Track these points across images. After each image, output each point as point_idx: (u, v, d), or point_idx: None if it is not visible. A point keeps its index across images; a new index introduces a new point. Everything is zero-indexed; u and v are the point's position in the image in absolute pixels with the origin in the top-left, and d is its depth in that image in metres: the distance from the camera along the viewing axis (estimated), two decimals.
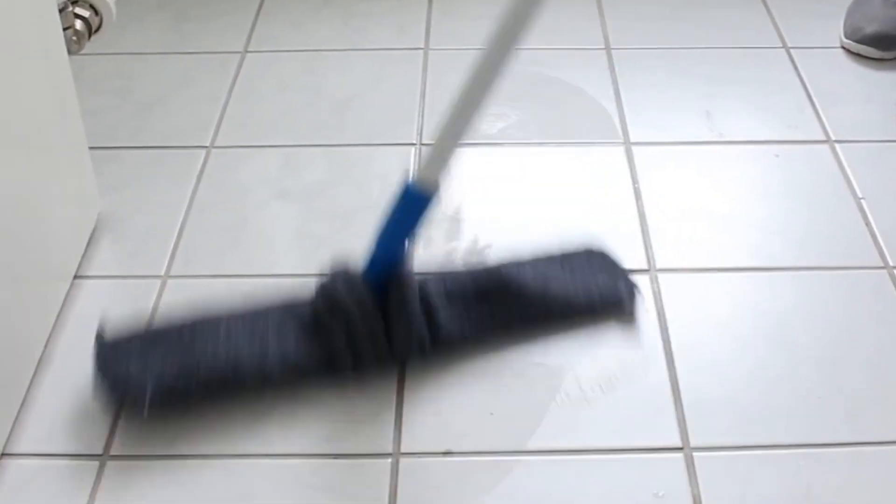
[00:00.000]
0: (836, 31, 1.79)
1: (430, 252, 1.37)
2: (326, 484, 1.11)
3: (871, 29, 1.73)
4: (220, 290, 1.32)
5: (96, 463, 1.13)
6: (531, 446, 1.14)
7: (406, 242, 1.20)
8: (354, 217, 1.43)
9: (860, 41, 1.74)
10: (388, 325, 1.19)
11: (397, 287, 1.19)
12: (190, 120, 1.61)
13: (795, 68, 1.72)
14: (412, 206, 1.18)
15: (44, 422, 1.17)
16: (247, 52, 1.78)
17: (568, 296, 1.28)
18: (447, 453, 1.14)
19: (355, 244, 1.37)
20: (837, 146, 1.55)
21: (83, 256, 1.37)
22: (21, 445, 1.15)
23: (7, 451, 1.14)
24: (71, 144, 1.35)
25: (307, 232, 1.41)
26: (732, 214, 1.44)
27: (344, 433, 1.16)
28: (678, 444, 1.14)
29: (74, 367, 1.23)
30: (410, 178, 1.17)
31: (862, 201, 1.45)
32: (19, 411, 1.18)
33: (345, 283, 1.19)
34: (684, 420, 1.16)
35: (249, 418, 1.17)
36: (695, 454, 1.13)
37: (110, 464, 1.13)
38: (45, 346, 1.25)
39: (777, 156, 1.54)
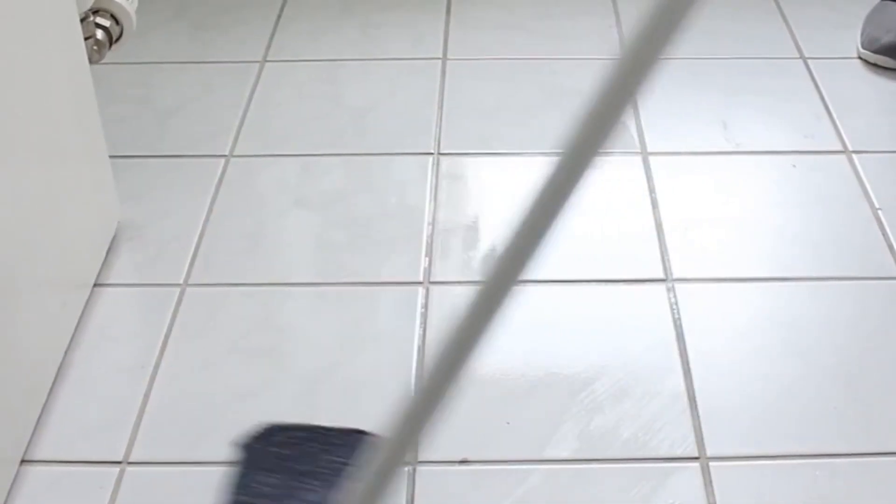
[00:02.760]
0: (853, 42, 1.79)
1: (448, 262, 1.38)
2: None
3: (887, 39, 1.73)
4: (241, 299, 1.33)
5: (116, 469, 1.14)
6: (547, 455, 1.15)
7: None
8: (372, 225, 1.44)
9: (877, 51, 1.74)
10: None
11: None
12: (209, 128, 1.62)
13: (812, 78, 1.72)
14: None
15: (64, 429, 1.18)
16: (266, 61, 1.78)
17: None
18: (464, 462, 1.14)
19: (373, 252, 1.39)
20: (854, 156, 1.55)
21: (103, 264, 1.38)
22: (41, 452, 1.16)
23: (27, 458, 1.15)
24: (91, 153, 1.36)
25: (326, 240, 1.42)
26: (749, 224, 1.44)
27: None
28: (695, 453, 1.14)
29: (94, 375, 1.24)
30: None
31: (879, 212, 1.45)
32: (39, 418, 1.18)
33: None
34: (700, 429, 1.17)
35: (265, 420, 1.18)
36: (711, 464, 1.13)
37: (130, 470, 1.14)
38: (65, 354, 1.26)
39: (794, 165, 1.55)
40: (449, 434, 1.16)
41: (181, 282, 1.36)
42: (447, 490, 1.12)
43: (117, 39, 1.48)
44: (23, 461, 1.14)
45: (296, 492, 1.10)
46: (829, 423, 1.18)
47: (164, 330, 1.29)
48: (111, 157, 1.42)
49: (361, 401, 1.21)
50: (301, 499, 1.09)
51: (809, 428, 1.17)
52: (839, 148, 1.57)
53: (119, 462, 1.15)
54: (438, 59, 1.79)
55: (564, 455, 1.15)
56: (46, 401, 1.20)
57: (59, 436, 1.17)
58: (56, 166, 1.25)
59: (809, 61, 1.76)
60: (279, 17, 1.91)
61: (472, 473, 1.13)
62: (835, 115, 1.64)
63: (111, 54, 1.43)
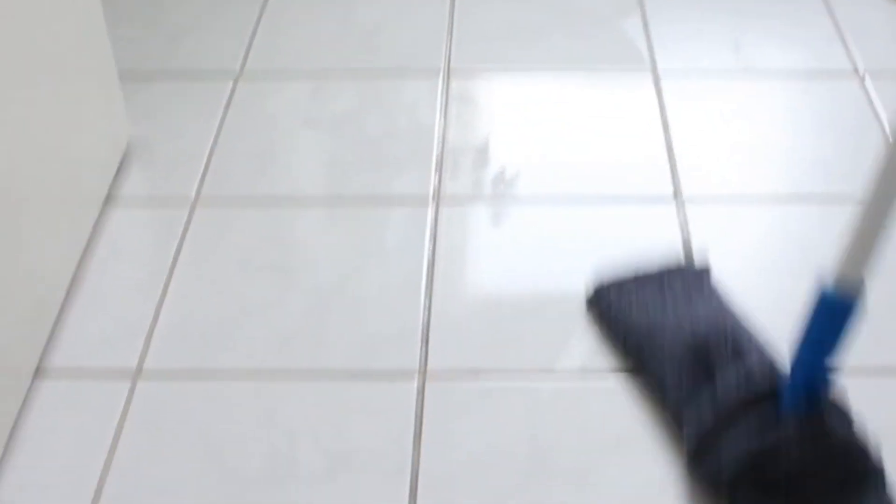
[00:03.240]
0: None
1: (457, 182, 1.38)
2: (354, 403, 1.12)
3: None
4: (251, 216, 1.34)
5: (129, 381, 1.15)
6: (556, 367, 1.15)
7: (831, 361, 1.00)
8: (382, 144, 1.44)
9: None
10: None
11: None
12: (219, 48, 1.62)
13: (825, 2, 1.71)
14: (835, 316, 0.98)
15: (76, 341, 1.19)
16: None
17: None
18: (474, 373, 1.15)
19: (383, 170, 1.39)
20: (866, 79, 1.55)
21: (113, 182, 1.38)
22: (54, 363, 1.17)
23: (42, 369, 1.16)
24: (100, 72, 1.36)
25: (336, 158, 1.42)
26: (759, 144, 1.44)
27: (372, 352, 1.17)
28: None
29: (106, 288, 1.25)
30: (828, 283, 0.97)
31: (889, 133, 1.45)
32: (52, 330, 1.20)
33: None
34: None
35: (278, 337, 1.18)
36: None
37: (142, 381, 1.15)
38: (77, 269, 1.26)
39: (805, 88, 1.54)
40: (459, 346, 1.18)
41: (191, 198, 1.36)
42: (457, 401, 1.13)
43: None
44: (37, 372, 1.15)
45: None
46: None
47: (175, 246, 1.30)
48: (122, 77, 1.42)
49: (370, 316, 1.22)
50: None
51: None
52: (850, 70, 1.57)
53: (131, 373, 1.16)
54: None
55: (574, 367, 1.15)
56: (59, 313, 1.21)
57: (72, 347, 1.19)
58: (66, 85, 1.25)
59: None
60: None
61: (481, 386, 1.14)
62: (847, 39, 1.63)
63: None
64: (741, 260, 1.28)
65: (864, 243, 0.96)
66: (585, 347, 1.18)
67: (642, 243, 1.30)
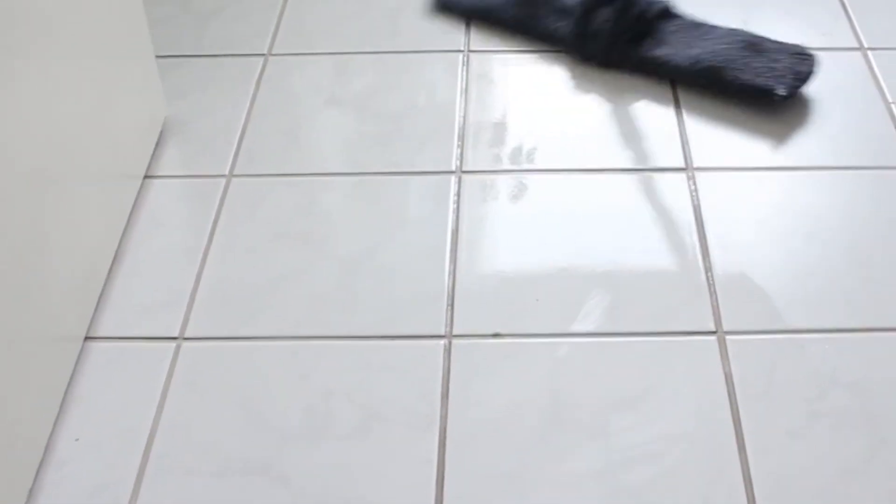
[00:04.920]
0: None
1: (478, 155, 1.45)
2: (385, 363, 1.20)
3: None
4: (283, 188, 1.41)
5: (173, 344, 1.22)
6: (573, 329, 1.23)
7: None
8: (406, 119, 1.51)
9: None
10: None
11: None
12: (248, 29, 1.68)
13: None
14: None
15: (122, 308, 1.27)
16: None
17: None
18: (496, 335, 1.22)
19: (406, 145, 1.46)
20: (870, 53, 1.61)
21: (152, 157, 1.45)
22: (103, 329, 1.24)
23: (90, 335, 1.23)
24: (138, 52, 1.43)
25: (361, 133, 1.49)
26: (767, 116, 1.50)
27: (401, 316, 1.24)
28: (712, 328, 1.22)
29: (148, 259, 1.32)
30: None
31: (892, 105, 1.51)
32: (99, 299, 1.27)
33: None
34: (718, 307, 1.24)
35: (312, 301, 1.26)
36: (727, 337, 1.21)
37: (185, 345, 1.22)
38: (120, 240, 1.34)
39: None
40: (482, 310, 1.25)
41: (226, 173, 1.44)
42: (481, 362, 1.20)
43: None
44: (86, 338, 1.23)
45: None
46: (839, 303, 1.25)
47: (212, 217, 1.37)
48: (156, 56, 1.49)
49: (398, 282, 1.29)
50: None
51: (822, 307, 1.25)
52: (855, 45, 1.63)
53: (175, 338, 1.23)
54: None
55: (590, 329, 1.23)
56: (105, 283, 1.28)
57: (118, 314, 1.26)
58: (107, 65, 1.32)
59: None
60: None
61: (504, 346, 1.21)
62: (851, 14, 1.69)
63: None
64: (748, 225, 1.34)
65: None
66: (601, 311, 1.25)
67: (655, 211, 1.36)
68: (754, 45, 1.56)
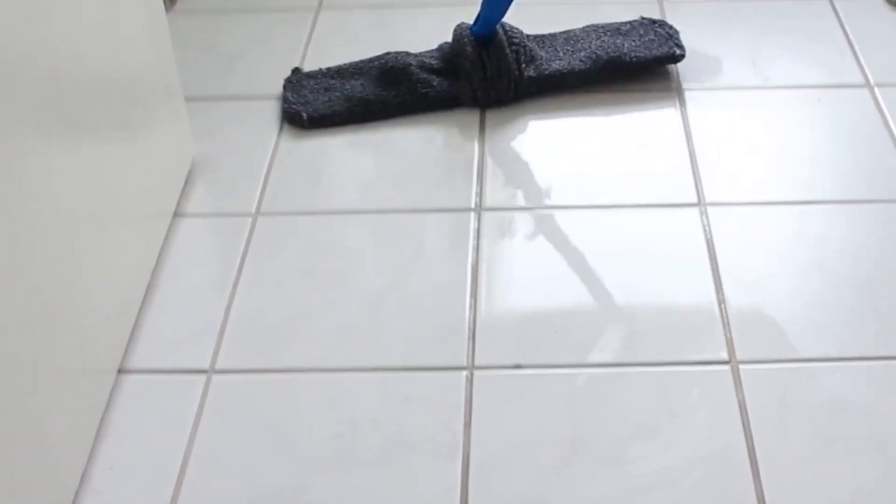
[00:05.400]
0: None
1: (496, 193, 1.49)
2: (409, 394, 1.24)
3: None
4: (308, 225, 1.45)
5: (203, 376, 1.27)
6: (591, 360, 1.27)
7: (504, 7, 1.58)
8: (424, 160, 1.56)
9: None
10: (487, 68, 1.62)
11: (496, 40, 1.63)
12: (272, 71, 1.73)
13: (838, 18, 1.82)
14: None
15: (153, 342, 1.31)
16: (321, 8, 1.90)
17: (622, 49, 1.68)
18: (517, 366, 1.26)
19: (427, 183, 1.50)
20: (877, 90, 1.65)
21: (181, 196, 1.50)
22: (135, 362, 1.29)
23: (123, 368, 1.28)
24: (168, 94, 1.48)
25: (381, 173, 1.54)
26: (777, 153, 1.55)
27: (424, 348, 1.28)
28: (725, 358, 1.26)
29: (179, 294, 1.36)
30: None
31: None
32: (132, 333, 1.31)
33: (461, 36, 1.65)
34: (731, 336, 1.28)
35: (338, 334, 1.30)
36: (741, 367, 1.25)
37: (215, 377, 1.27)
38: (152, 275, 1.38)
39: (819, 99, 1.65)
40: (503, 342, 1.29)
41: (253, 211, 1.48)
42: (502, 392, 1.24)
43: None
44: (119, 370, 1.27)
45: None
46: (848, 331, 1.29)
47: (240, 253, 1.41)
48: (185, 98, 1.54)
49: (421, 315, 1.33)
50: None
51: (832, 336, 1.28)
52: (862, 82, 1.67)
53: (206, 370, 1.27)
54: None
55: (607, 360, 1.27)
56: (138, 317, 1.33)
57: (150, 347, 1.30)
58: (139, 108, 1.37)
59: (835, 1, 1.86)
60: None
61: (524, 377, 1.25)
62: (858, 52, 1.73)
63: (179, 3, 1.55)
64: (759, 257, 1.38)
65: None
66: (618, 342, 1.29)
67: (670, 245, 1.41)
68: (618, 30, 1.72)
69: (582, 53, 1.67)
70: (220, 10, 1.89)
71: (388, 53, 1.70)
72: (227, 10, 1.90)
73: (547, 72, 1.64)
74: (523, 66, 1.63)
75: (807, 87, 1.67)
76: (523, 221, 1.45)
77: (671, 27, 1.73)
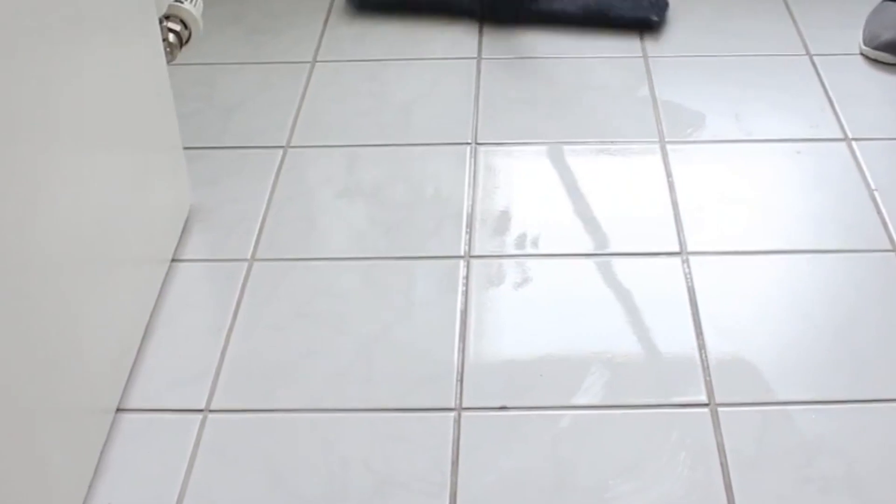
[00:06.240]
0: (855, 39, 1.94)
1: (485, 242, 1.54)
2: (399, 434, 1.27)
3: (887, 36, 1.88)
4: (302, 272, 1.50)
5: (200, 416, 1.30)
6: (575, 402, 1.30)
7: None
8: (414, 209, 1.60)
9: (877, 48, 1.89)
10: None
11: None
12: (268, 122, 1.79)
13: (818, 73, 1.88)
14: None
15: (151, 382, 1.35)
16: (316, 61, 1.95)
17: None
18: (503, 408, 1.30)
19: (418, 231, 1.55)
20: (854, 143, 1.71)
21: (178, 242, 1.54)
22: (133, 402, 1.32)
23: (122, 407, 1.31)
24: (167, 143, 1.53)
25: (375, 220, 1.58)
26: (757, 204, 1.60)
27: (413, 390, 1.32)
28: (705, 401, 1.30)
29: (176, 336, 1.40)
30: None
31: (875, 192, 1.60)
32: (130, 373, 1.35)
33: None
34: (711, 380, 1.32)
35: (331, 376, 1.34)
36: (720, 409, 1.29)
37: (211, 416, 1.30)
38: (150, 319, 1.42)
39: (799, 152, 1.70)
40: (490, 385, 1.33)
41: (248, 257, 1.53)
42: (488, 433, 1.27)
43: (186, 42, 1.65)
44: (118, 409, 1.31)
45: None
46: (825, 375, 1.33)
47: (236, 298, 1.46)
48: (183, 148, 1.59)
49: (411, 359, 1.37)
50: None
51: (809, 380, 1.32)
52: (840, 136, 1.72)
53: (202, 410, 1.31)
54: (474, 58, 1.95)
55: (590, 402, 1.31)
56: (136, 358, 1.37)
57: (148, 388, 1.34)
58: (138, 155, 1.41)
59: (815, 58, 1.92)
60: (326, 21, 2.07)
61: (510, 418, 1.29)
62: (837, 107, 1.79)
63: (178, 56, 1.60)
64: (739, 305, 1.43)
65: None
66: (601, 385, 1.33)
67: (652, 292, 1.45)
68: None
69: (580, 2, 1.99)
70: (217, 63, 1.95)
71: None
72: (226, 63, 1.95)
73: (545, 9, 1.98)
74: None
75: (787, 141, 1.72)
76: (510, 269, 1.49)
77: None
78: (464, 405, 1.31)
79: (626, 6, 1.99)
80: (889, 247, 1.51)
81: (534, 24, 2.00)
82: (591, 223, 1.57)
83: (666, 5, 2.02)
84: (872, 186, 1.61)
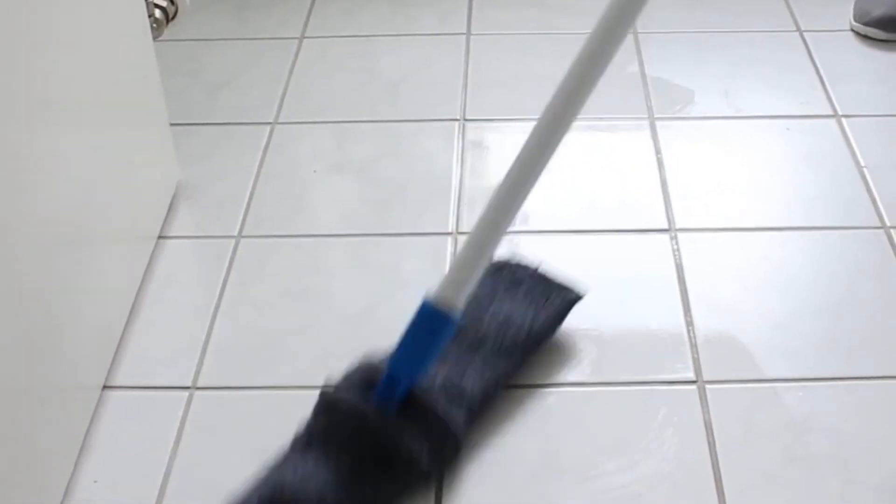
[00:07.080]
0: (845, 16, 1.94)
1: (475, 215, 1.53)
2: None
3: (877, 12, 1.88)
4: (289, 248, 1.49)
5: (186, 393, 1.30)
6: (562, 379, 1.30)
7: (424, 366, 1.18)
8: (403, 185, 1.60)
9: (867, 24, 1.88)
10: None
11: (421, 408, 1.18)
12: (255, 99, 1.78)
13: (808, 50, 1.87)
14: (432, 326, 1.14)
15: (137, 359, 1.34)
16: (304, 37, 1.94)
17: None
18: None
19: (406, 208, 1.54)
20: (843, 120, 1.70)
21: (165, 219, 1.54)
22: (119, 379, 1.32)
23: (108, 384, 1.31)
24: (154, 120, 1.52)
25: (363, 197, 1.58)
26: (746, 180, 1.59)
27: None
28: (692, 378, 1.30)
29: (162, 313, 1.40)
30: (429, 296, 1.14)
31: (864, 169, 1.60)
32: (116, 350, 1.35)
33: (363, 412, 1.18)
34: (698, 357, 1.32)
35: (318, 353, 1.33)
36: (707, 386, 1.29)
37: (198, 393, 1.30)
38: (136, 296, 1.42)
39: (788, 129, 1.70)
40: None
41: (235, 234, 1.52)
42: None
43: (172, 18, 1.64)
44: (104, 387, 1.30)
45: None
46: (813, 353, 1.33)
47: (223, 275, 1.45)
48: (170, 124, 1.58)
49: (398, 335, 1.36)
50: None
51: (796, 357, 1.32)
52: (830, 112, 1.72)
53: (188, 387, 1.31)
54: (463, 34, 1.94)
55: (577, 379, 1.30)
56: (122, 335, 1.36)
57: (134, 365, 1.34)
58: (125, 131, 1.41)
59: (805, 34, 1.91)
60: None
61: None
62: (827, 83, 1.79)
63: (165, 32, 1.59)
64: (727, 282, 1.42)
65: (463, 273, 1.14)
66: (588, 363, 1.32)
67: (641, 269, 1.45)
68: (514, 283, 1.37)
69: (501, 368, 1.29)
70: (205, 39, 1.94)
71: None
72: (213, 39, 1.94)
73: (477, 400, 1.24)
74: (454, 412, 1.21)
75: (776, 118, 1.72)
76: (500, 246, 1.48)
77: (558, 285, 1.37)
78: None
79: (542, 309, 1.35)
80: (878, 224, 1.51)
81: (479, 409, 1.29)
82: (579, 200, 1.57)
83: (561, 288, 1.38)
84: (862, 163, 1.61)
